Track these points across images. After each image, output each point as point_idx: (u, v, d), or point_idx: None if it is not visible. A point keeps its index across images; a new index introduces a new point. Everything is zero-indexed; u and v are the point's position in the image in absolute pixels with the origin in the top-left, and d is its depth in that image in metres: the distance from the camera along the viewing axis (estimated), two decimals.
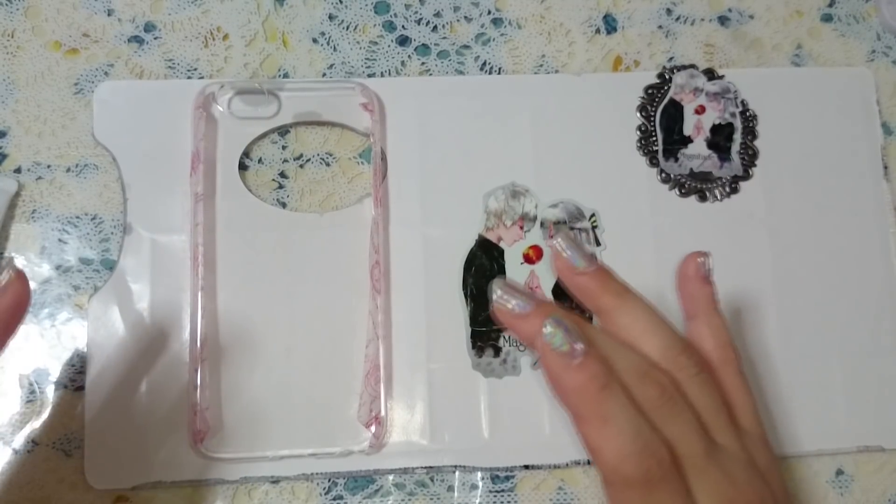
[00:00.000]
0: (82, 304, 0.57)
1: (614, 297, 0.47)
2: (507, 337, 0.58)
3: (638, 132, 0.62)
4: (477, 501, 0.56)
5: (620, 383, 0.43)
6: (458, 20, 0.63)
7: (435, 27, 0.62)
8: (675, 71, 0.63)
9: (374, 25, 0.62)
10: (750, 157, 0.62)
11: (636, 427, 0.42)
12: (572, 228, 0.59)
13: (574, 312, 0.45)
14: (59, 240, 0.57)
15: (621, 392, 0.43)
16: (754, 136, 0.62)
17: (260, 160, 0.59)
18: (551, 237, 0.51)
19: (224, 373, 0.56)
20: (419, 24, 0.62)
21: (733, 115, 0.62)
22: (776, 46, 0.64)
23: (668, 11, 0.64)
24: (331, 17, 0.62)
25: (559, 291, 0.58)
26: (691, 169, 0.61)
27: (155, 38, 0.61)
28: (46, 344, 0.56)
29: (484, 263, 0.58)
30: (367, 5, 0.62)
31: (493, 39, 0.63)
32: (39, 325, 0.56)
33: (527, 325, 0.44)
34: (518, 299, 0.45)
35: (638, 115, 0.62)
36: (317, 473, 0.55)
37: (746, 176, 0.62)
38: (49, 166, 0.58)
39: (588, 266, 0.47)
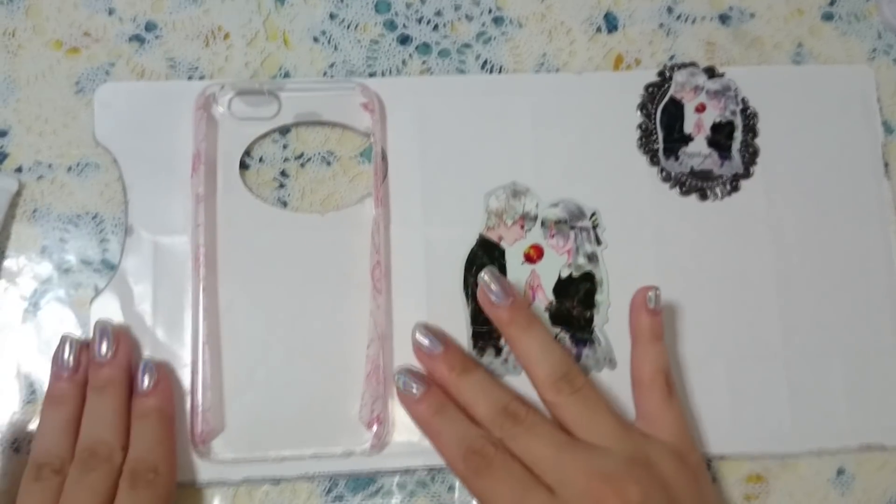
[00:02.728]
0: (83, 303, 0.57)
1: (518, 329, 0.55)
2: None
3: (638, 131, 0.62)
4: (476, 501, 0.56)
5: (482, 412, 0.53)
6: (458, 19, 0.63)
7: (436, 26, 0.62)
8: (675, 69, 0.63)
9: (375, 24, 0.62)
10: (751, 155, 0.62)
11: (461, 434, 0.52)
12: (573, 227, 0.59)
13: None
14: (60, 239, 0.58)
15: (455, 414, 0.53)
16: (755, 135, 0.62)
17: (261, 159, 0.59)
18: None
19: (226, 374, 0.56)
20: (420, 22, 0.62)
21: (734, 113, 0.62)
22: (777, 45, 0.64)
23: (669, 10, 0.64)
24: (332, 16, 0.62)
25: (560, 290, 0.59)
26: (692, 167, 0.61)
27: (156, 38, 0.61)
28: (47, 344, 0.56)
29: (485, 263, 0.58)
30: (367, 4, 0.62)
31: (494, 38, 0.63)
32: (40, 324, 0.56)
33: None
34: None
35: (638, 113, 0.62)
36: (318, 474, 0.55)
37: (747, 174, 0.61)
38: (50, 165, 0.58)
39: (503, 300, 0.55)
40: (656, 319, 0.56)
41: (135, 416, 0.53)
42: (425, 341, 0.55)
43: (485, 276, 0.55)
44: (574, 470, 0.50)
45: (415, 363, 0.56)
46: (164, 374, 0.54)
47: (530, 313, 0.56)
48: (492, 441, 0.52)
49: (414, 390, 0.54)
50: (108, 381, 0.53)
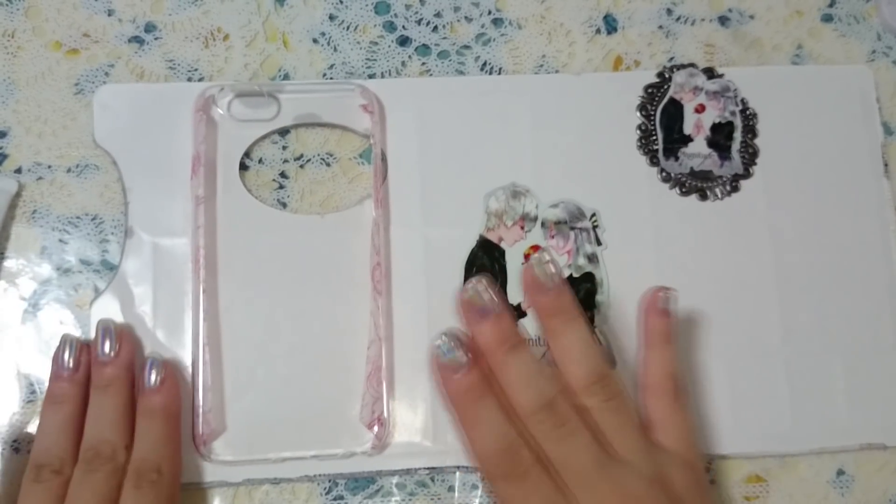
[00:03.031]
0: (83, 304, 0.57)
1: (562, 321, 0.53)
2: None
3: (638, 131, 0.62)
4: (477, 501, 0.56)
5: (513, 406, 0.51)
6: (458, 20, 0.63)
7: (435, 27, 0.62)
8: (674, 70, 0.63)
9: (375, 26, 0.62)
10: (750, 155, 0.62)
11: (501, 432, 0.49)
12: (573, 228, 0.59)
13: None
14: (60, 240, 0.58)
15: (496, 404, 0.50)
16: (754, 135, 0.62)
17: (260, 160, 0.59)
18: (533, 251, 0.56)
19: (226, 375, 0.56)
20: (419, 24, 0.62)
21: (733, 113, 0.62)
22: (776, 47, 0.64)
23: (669, 11, 0.64)
24: (331, 18, 0.62)
25: None
26: (692, 168, 0.61)
27: (155, 39, 0.61)
28: (47, 344, 0.56)
29: (485, 264, 0.58)
30: (367, 5, 0.62)
31: (494, 40, 0.63)
32: (40, 325, 0.56)
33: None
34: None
35: (638, 114, 0.62)
36: (319, 475, 0.55)
37: (747, 174, 0.62)
38: (49, 166, 0.58)
39: (553, 285, 0.52)
40: (668, 322, 0.55)
41: (140, 415, 0.53)
42: (485, 296, 0.52)
43: (537, 256, 0.53)
44: (607, 491, 0.49)
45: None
46: (171, 371, 0.54)
47: (577, 305, 0.53)
48: (529, 446, 0.50)
49: (462, 361, 0.50)
50: (111, 380, 0.53)
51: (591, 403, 0.51)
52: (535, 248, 0.59)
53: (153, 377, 0.53)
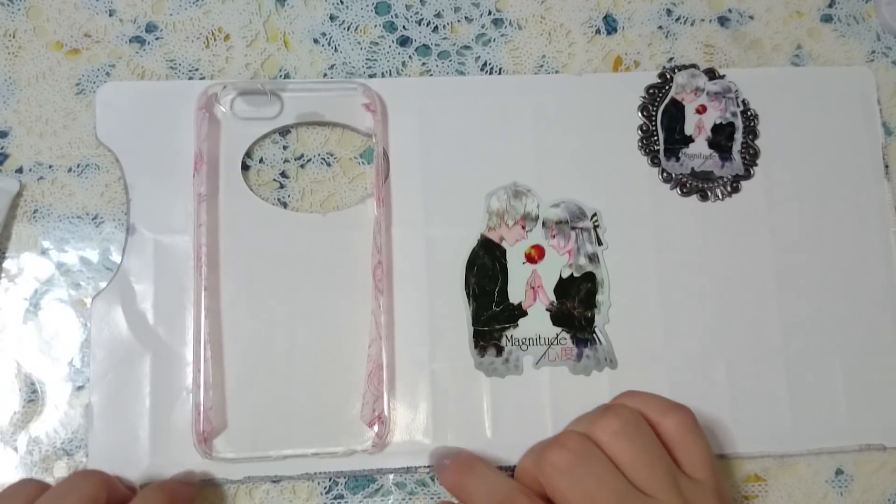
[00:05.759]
0: (84, 303, 0.57)
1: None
2: (509, 336, 0.58)
3: (639, 132, 0.62)
4: None
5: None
6: (458, 21, 0.63)
7: (435, 28, 0.63)
8: (676, 71, 0.63)
9: (375, 26, 0.62)
10: (751, 156, 0.62)
11: (490, 489, 0.50)
12: (574, 228, 0.60)
13: None
14: (61, 239, 0.58)
15: (484, 471, 0.52)
16: (755, 136, 0.62)
17: (261, 160, 0.60)
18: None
19: (227, 373, 0.56)
20: (420, 24, 0.63)
21: (734, 114, 0.62)
22: (776, 47, 0.64)
23: (669, 12, 0.64)
24: (332, 18, 0.62)
25: (560, 290, 0.59)
26: (693, 168, 0.61)
27: (156, 39, 0.61)
28: (48, 343, 0.56)
29: (486, 263, 0.58)
30: (367, 6, 0.62)
31: (494, 40, 0.63)
32: (41, 324, 0.56)
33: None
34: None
35: (639, 114, 0.62)
36: (320, 473, 0.55)
37: (748, 175, 0.62)
38: (51, 166, 0.58)
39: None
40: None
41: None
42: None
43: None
44: None
45: (412, 356, 0.57)
46: None
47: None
48: (524, 492, 0.49)
49: (445, 461, 0.54)
50: None
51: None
52: (536, 248, 0.59)
53: None
